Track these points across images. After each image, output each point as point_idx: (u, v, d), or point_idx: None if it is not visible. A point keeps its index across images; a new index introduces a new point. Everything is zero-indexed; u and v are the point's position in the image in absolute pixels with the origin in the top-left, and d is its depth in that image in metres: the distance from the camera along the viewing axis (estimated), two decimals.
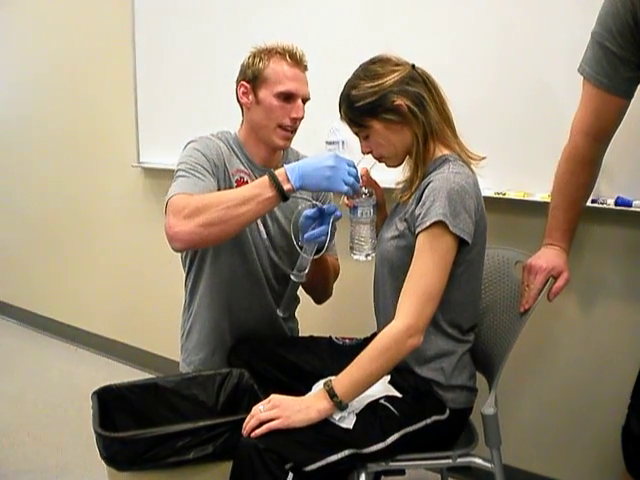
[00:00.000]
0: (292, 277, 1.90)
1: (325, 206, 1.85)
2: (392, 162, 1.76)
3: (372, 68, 1.69)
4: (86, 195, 3.99)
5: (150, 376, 3.10)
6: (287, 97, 1.97)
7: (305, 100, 2.02)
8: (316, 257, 1.89)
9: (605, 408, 2.20)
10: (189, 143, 2.04)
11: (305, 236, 1.83)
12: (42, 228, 4.36)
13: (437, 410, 1.68)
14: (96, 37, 3.69)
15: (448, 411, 1.69)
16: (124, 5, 3.38)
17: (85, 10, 3.73)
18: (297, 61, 2.00)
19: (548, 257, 1.81)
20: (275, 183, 1.70)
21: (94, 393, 1.83)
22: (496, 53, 2.25)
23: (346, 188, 1.70)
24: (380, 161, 1.78)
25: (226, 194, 1.84)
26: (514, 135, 2.25)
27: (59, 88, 4.02)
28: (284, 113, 1.98)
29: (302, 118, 2.01)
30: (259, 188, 1.73)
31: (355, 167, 1.74)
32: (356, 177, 1.73)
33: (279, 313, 1.94)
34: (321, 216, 1.84)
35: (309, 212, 1.86)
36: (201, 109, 3.11)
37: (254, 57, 2.02)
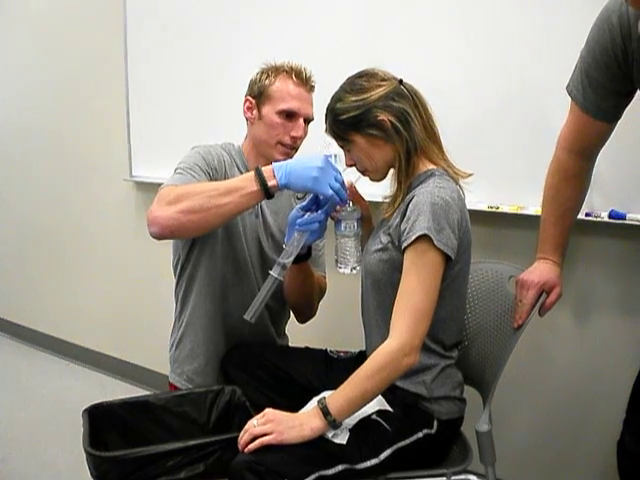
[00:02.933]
0: (271, 272, 1.75)
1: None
2: (374, 176, 1.76)
3: (358, 82, 1.69)
4: (78, 209, 3.98)
5: (143, 391, 3.10)
6: (289, 115, 1.99)
7: (308, 120, 2.03)
8: (304, 251, 1.86)
9: (600, 422, 2.19)
10: (193, 148, 2.06)
11: (297, 222, 1.76)
12: (34, 243, 4.34)
13: (426, 423, 1.67)
14: (88, 51, 3.69)
15: (436, 423, 1.68)
16: (116, 17, 3.38)
17: (78, 24, 3.73)
18: (303, 81, 2.01)
19: (540, 271, 1.81)
20: (260, 178, 1.70)
21: (85, 411, 1.81)
22: (491, 69, 2.25)
23: (330, 192, 1.68)
24: (364, 174, 1.78)
25: (210, 184, 1.85)
26: (507, 148, 2.24)
27: (50, 102, 4.01)
28: (285, 131, 1.99)
29: (303, 137, 2.03)
30: (244, 181, 1.73)
31: (341, 175, 1.72)
32: (342, 185, 1.72)
33: (246, 317, 1.76)
34: (317, 205, 1.79)
35: (302, 204, 1.83)
36: (194, 123, 3.11)
37: (262, 74, 2.05)
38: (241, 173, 2.06)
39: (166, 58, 3.24)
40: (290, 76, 2.00)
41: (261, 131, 2.03)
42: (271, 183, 1.70)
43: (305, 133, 2.03)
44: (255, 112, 2.04)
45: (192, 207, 1.71)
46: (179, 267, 2.11)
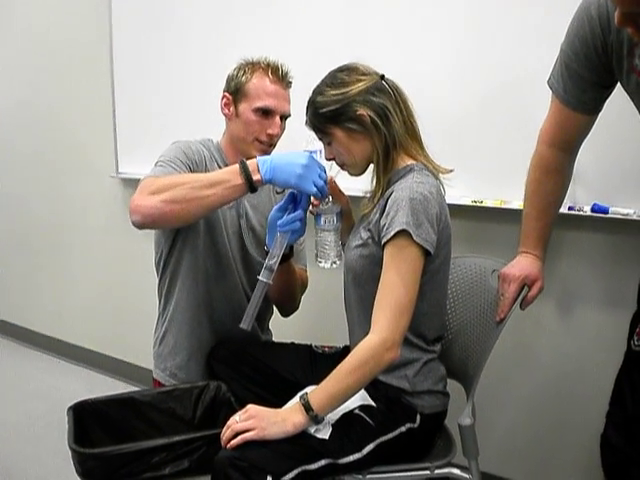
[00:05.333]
0: (260, 277, 1.76)
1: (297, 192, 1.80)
2: (353, 170, 1.77)
3: (339, 76, 1.70)
4: (64, 206, 3.97)
5: (131, 387, 3.10)
6: (265, 112, 1.99)
7: (285, 117, 2.03)
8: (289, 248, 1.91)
9: (584, 416, 2.20)
10: (173, 143, 2.06)
11: (278, 223, 1.78)
12: (20, 240, 4.33)
13: (408, 418, 1.68)
14: (73, 46, 3.68)
15: (419, 417, 1.68)
16: (102, 14, 3.37)
17: (63, 18, 3.71)
18: (279, 77, 2.01)
19: (522, 265, 1.82)
20: (244, 172, 1.70)
21: (69, 408, 1.81)
22: (474, 64, 2.26)
23: (315, 190, 1.70)
24: (343, 168, 1.79)
25: (194, 176, 1.86)
26: (490, 143, 2.25)
27: (35, 100, 4.00)
28: (261, 128, 2.00)
29: (280, 134, 2.03)
30: (228, 174, 1.73)
31: (325, 173, 1.74)
32: (325, 183, 1.73)
33: (242, 326, 1.77)
34: (294, 203, 1.81)
35: (279, 204, 1.85)
36: (181, 118, 3.11)
37: (239, 70, 2.04)
38: (220, 169, 2.05)
39: (152, 56, 3.23)
40: (267, 73, 2.00)
41: (238, 128, 2.03)
42: (255, 177, 1.70)
43: (282, 130, 2.03)
44: (232, 109, 2.04)
45: (175, 197, 1.71)
46: (162, 263, 2.11)
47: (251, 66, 2.02)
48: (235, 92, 2.02)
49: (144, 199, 1.74)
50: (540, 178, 1.82)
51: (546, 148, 1.79)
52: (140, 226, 1.79)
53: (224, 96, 2.06)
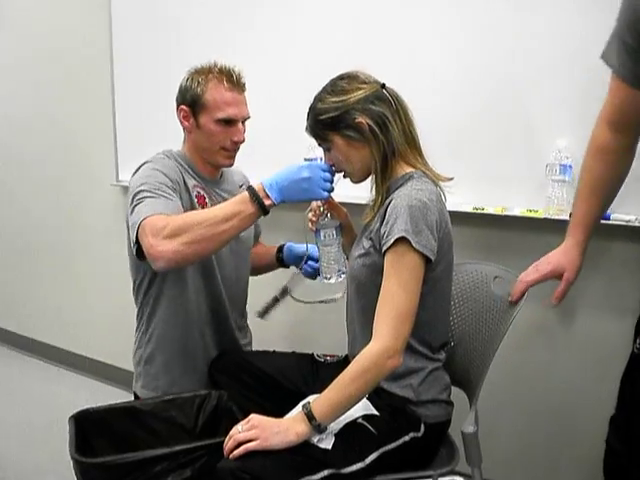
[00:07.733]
0: (277, 296, 2.17)
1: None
2: (353, 178, 1.78)
3: (339, 83, 1.71)
4: (65, 214, 3.97)
5: (133, 396, 3.08)
6: (227, 122, 2.00)
7: (245, 120, 2.05)
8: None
9: (587, 422, 2.20)
10: (144, 163, 2.05)
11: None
12: (22, 248, 4.32)
13: (412, 427, 1.67)
14: (73, 52, 3.68)
15: (423, 427, 1.68)
16: (102, 19, 3.37)
17: (64, 27, 3.71)
18: (234, 84, 2.01)
19: (557, 256, 1.76)
20: (256, 199, 1.72)
21: (71, 417, 1.81)
22: (475, 71, 2.26)
23: (325, 194, 1.74)
24: (344, 176, 1.79)
25: (207, 212, 1.85)
26: (491, 150, 2.25)
27: (35, 107, 3.99)
28: (225, 137, 2.02)
29: (244, 140, 2.05)
30: (240, 205, 1.75)
31: (330, 170, 1.75)
32: (332, 177, 1.76)
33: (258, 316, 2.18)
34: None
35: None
36: (180, 127, 3.08)
37: (192, 80, 2.03)
38: (195, 180, 2.08)
39: (153, 63, 3.22)
40: (221, 81, 1.99)
41: (202, 139, 2.04)
42: (267, 202, 1.74)
43: (244, 136, 2.05)
44: (192, 121, 2.04)
45: (194, 238, 1.73)
46: (145, 283, 2.13)
47: (204, 75, 2.01)
48: (192, 104, 2.02)
49: (162, 244, 1.73)
50: (592, 157, 1.71)
51: (600, 127, 1.68)
52: (164, 271, 1.87)
53: (181, 109, 2.05)
